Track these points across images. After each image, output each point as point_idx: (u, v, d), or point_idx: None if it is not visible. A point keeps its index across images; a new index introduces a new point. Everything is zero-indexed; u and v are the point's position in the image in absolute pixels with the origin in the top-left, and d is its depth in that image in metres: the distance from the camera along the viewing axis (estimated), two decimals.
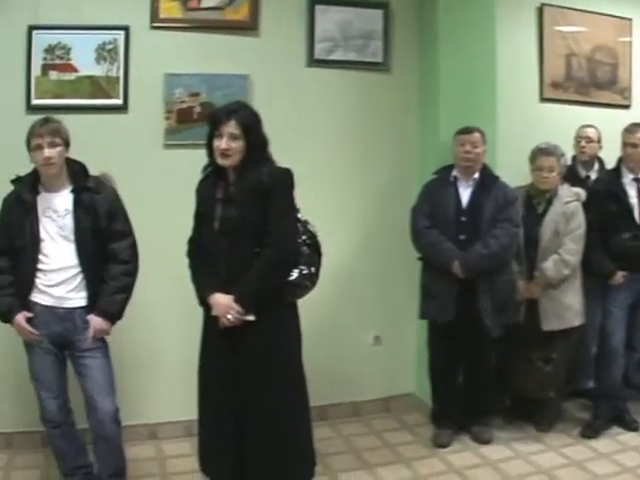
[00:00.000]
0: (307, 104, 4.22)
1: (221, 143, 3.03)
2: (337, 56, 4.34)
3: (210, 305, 3.16)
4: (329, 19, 4.32)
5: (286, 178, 3.12)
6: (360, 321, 4.46)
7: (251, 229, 3.05)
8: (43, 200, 3.27)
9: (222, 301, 3.09)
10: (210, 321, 3.20)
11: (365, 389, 4.50)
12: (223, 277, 3.11)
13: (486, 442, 4.10)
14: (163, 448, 4.14)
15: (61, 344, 3.32)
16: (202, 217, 3.22)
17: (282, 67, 4.23)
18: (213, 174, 3.20)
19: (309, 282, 3.22)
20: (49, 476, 3.79)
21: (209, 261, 3.17)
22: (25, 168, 3.31)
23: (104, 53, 4.05)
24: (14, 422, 4.09)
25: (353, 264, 4.15)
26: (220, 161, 3.07)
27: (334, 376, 4.14)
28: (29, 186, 3.28)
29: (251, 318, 3.07)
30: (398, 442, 4.17)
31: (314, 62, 4.30)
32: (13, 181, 3.31)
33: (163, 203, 4.07)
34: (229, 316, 3.06)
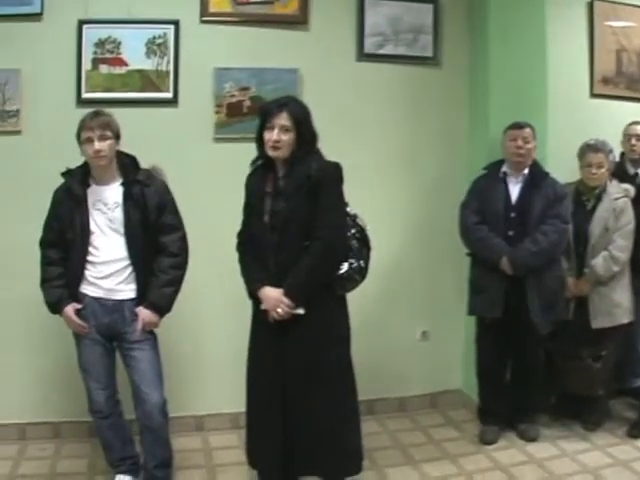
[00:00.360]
0: (357, 99, 4.21)
1: (272, 135, 3.05)
2: (387, 50, 4.32)
3: (260, 299, 3.16)
4: (379, 13, 4.30)
5: (335, 172, 3.11)
6: (408, 316, 4.45)
7: (300, 223, 3.06)
8: (93, 193, 3.30)
9: (272, 295, 3.10)
10: (259, 314, 3.21)
11: (412, 384, 4.49)
12: (272, 271, 3.13)
13: (532, 440, 4.06)
14: (210, 440, 4.18)
15: (110, 336, 3.35)
16: (251, 211, 3.24)
17: (332, 61, 4.23)
18: (262, 167, 3.21)
19: (358, 275, 3.22)
20: (96, 466, 3.84)
21: (259, 255, 3.18)
22: (76, 161, 3.34)
23: (154, 47, 4.09)
24: (62, 412, 4.15)
25: (401, 259, 4.13)
26: (271, 153, 3.08)
27: (381, 371, 4.13)
28: (79, 179, 3.31)
29: (300, 312, 3.08)
30: (444, 438, 4.15)
31: (364, 56, 4.29)
32: (63, 174, 3.34)
33: (213, 196, 4.10)
34: (279, 310, 3.07)
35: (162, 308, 3.32)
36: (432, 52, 4.42)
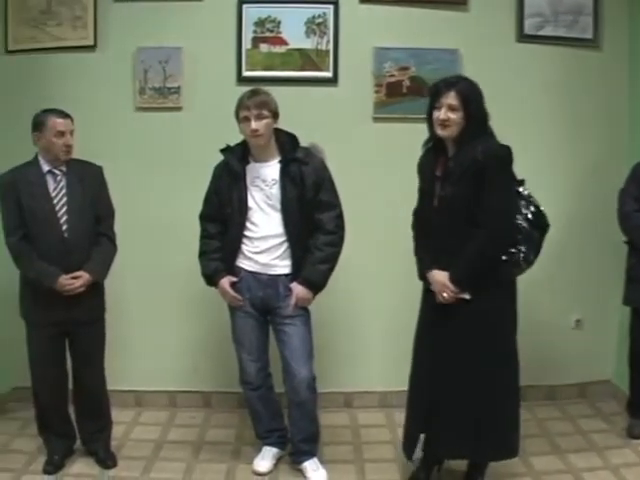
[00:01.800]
0: (516, 80, 4.13)
1: (440, 114, 3.03)
2: (547, 32, 4.20)
3: (428, 280, 3.17)
4: None
5: (503, 155, 3.04)
6: (563, 304, 4.36)
7: (466, 207, 3.02)
8: (252, 170, 3.36)
9: (439, 278, 3.10)
10: (428, 295, 3.21)
11: (562, 373, 4.40)
12: (441, 254, 3.11)
13: None
14: (357, 417, 4.22)
15: (263, 309, 3.42)
16: (422, 192, 3.24)
17: (492, 42, 4.15)
18: (433, 149, 3.18)
19: (524, 262, 3.15)
20: (243, 436, 3.95)
21: (428, 237, 3.18)
22: (236, 138, 3.40)
23: (313, 26, 4.12)
24: (213, 382, 4.29)
25: (557, 245, 4.04)
26: (439, 132, 3.06)
27: (533, 358, 4.05)
28: (239, 156, 3.37)
29: (466, 297, 3.06)
30: (592, 429, 4.05)
31: (524, 37, 4.19)
32: (222, 150, 3.42)
33: (371, 175, 4.12)
34: (444, 294, 3.07)
35: (316, 285, 3.35)
36: (592, 34, 4.27)
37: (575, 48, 4.25)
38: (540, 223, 3.18)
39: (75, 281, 3.31)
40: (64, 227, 3.33)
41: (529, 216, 3.15)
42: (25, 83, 4.15)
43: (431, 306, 3.18)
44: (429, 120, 3.12)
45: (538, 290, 4.13)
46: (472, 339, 3.07)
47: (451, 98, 3.01)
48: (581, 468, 3.58)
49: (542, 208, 3.19)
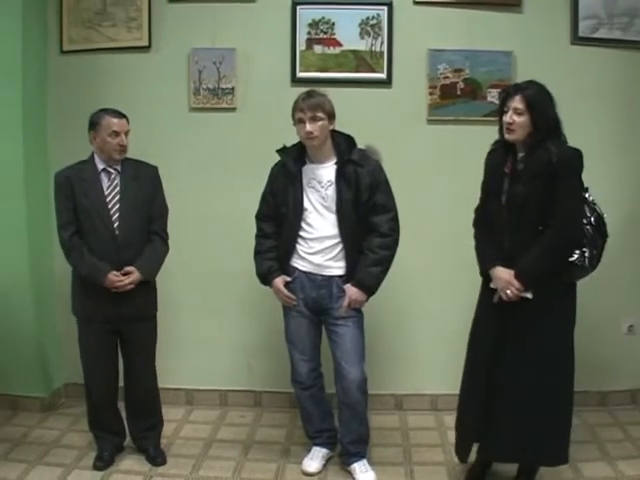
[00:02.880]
0: (570, 82, 4.08)
1: (506, 117, 3.06)
2: (601, 34, 4.15)
3: (490, 277, 3.17)
4: None
5: (575, 159, 3.07)
6: (615, 309, 4.31)
7: (536, 207, 3.04)
8: (308, 171, 3.38)
9: (503, 276, 3.10)
10: (486, 292, 3.22)
11: (614, 379, 4.35)
12: (506, 251, 3.13)
13: None
14: (407, 420, 4.21)
15: (316, 310, 3.43)
16: (489, 190, 3.24)
17: (546, 44, 4.11)
18: (502, 147, 3.19)
19: (589, 265, 3.16)
20: (293, 436, 3.97)
21: (493, 234, 3.19)
22: (291, 138, 3.41)
23: (367, 28, 4.13)
24: (265, 382, 4.32)
25: (612, 248, 4.00)
26: (506, 135, 3.09)
27: (584, 363, 3.99)
28: (295, 156, 3.39)
29: (529, 296, 3.07)
30: None
31: (578, 40, 4.15)
32: (278, 151, 3.43)
33: (426, 177, 4.12)
34: (508, 292, 3.07)
35: (369, 287, 3.35)
36: None
37: (630, 50, 4.19)
38: (602, 230, 3.20)
39: (124, 278, 3.35)
40: (115, 224, 3.37)
41: (592, 222, 3.17)
42: (79, 83, 4.21)
43: (490, 305, 3.18)
44: (500, 123, 3.15)
45: (591, 294, 4.05)
46: (536, 339, 3.08)
47: (517, 102, 3.05)
48: (630, 476, 3.53)
49: (605, 215, 3.21)
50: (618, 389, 4.36)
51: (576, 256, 3.12)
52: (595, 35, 4.17)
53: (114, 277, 3.33)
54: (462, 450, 3.33)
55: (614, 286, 4.26)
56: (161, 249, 3.53)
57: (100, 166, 3.41)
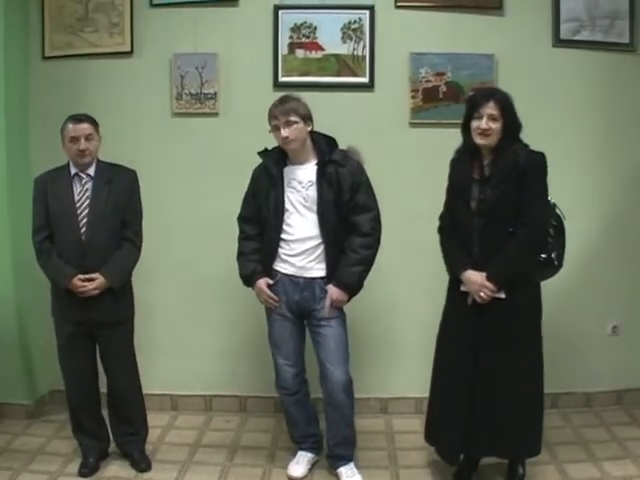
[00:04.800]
0: (552, 85, 4.11)
1: (481, 123, 3.10)
2: (583, 36, 4.17)
3: (461, 281, 3.21)
4: None
5: (541, 161, 3.13)
6: (599, 310, 4.32)
7: (506, 209, 3.10)
8: (289, 172, 3.39)
9: (475, 279, 3.14)
10: (456, 296, 3.26)
11: (598, 380, 4.35)
12: (476, 255, 3.17)
13: None
14: (393, 423, 4.21)
15: (300, 313, 3.44)
16: (456, 196, 3.27)
17: (528, 47, 4.13)
18: (467, 154, 3.23)
19: (556, 264, 3.24)
20: (278, 440, 3.96)
21: (463, 239, 3.22)
22: (272, 142, 3.42)
23: (349, 32, 4.14)
24: (249, 387, 4.30)
25: (594, 250, 4.03)
26: (478, 141, 3.13)
27: (568, 364, 4.05)
28: (276, 159, 3.40)
29: (502, 296, 3.12)
30: (628, 437, 3.98)
31: (560, 42, 4.16)
32: (260, 153, 3.44)
33: (408, 181, 4.13)
34: (482, 294, 3.11)
35: (351, 287, 3.36)
36: (628, 38, 4.22)
37: (612, 52, 4.21)
38: (563, 230, 3.28)
39: (88, 283, 3.35)
40: (82, 229, 3.36)
41: (554, 223, 3.25)
42: (62, 89, 4.19)
43: (461, 308, 3.23)
44: (465, 129, 3.20)
45: (574, 296, 4.12)
46: (504, 338, 3.14)
47: (491, 108, 3.10)
48: (616, 476, 3.53)
49: (564, 219, 3.29)
50: (603, 390, 4.37)
51: (545, 255, 3.19)
52: (577, 37, 4.20)
53: (78, 282, 3.33)
54: (451, 454, 3.39)
55: (598, 288, 4.28)
56: (130, 255, 3.50)
57: (73, 171, 3.43)
